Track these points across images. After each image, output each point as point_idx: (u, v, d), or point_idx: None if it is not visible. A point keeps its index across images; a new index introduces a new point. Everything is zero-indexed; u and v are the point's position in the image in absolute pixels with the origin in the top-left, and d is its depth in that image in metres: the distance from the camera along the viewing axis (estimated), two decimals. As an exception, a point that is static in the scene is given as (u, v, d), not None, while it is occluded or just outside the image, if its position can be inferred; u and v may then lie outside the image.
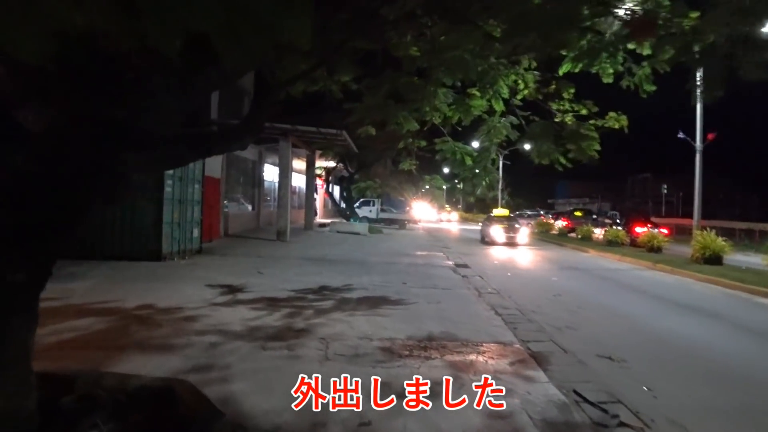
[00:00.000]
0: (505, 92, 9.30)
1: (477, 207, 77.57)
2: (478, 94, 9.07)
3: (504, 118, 10.19)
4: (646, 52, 6.45)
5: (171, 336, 6.69)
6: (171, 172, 14.46)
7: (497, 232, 25.66)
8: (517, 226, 26.59)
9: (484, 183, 10.87)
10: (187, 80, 3.06)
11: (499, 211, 30.10)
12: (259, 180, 27.12)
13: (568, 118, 9.47)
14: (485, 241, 26.49)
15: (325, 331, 7.21)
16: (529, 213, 55.66)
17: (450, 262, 16.99)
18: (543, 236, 34.06)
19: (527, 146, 10.85)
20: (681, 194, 54.50)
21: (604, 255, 22.35)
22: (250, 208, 26.79)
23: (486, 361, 6.29)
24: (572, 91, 9.00)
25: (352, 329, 7.40)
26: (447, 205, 70.40)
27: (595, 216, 52.01)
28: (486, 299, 10.49)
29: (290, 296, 9.65)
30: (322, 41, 5.07)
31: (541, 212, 76.38)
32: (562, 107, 9.24)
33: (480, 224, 30.81)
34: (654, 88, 7.35)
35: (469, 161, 11.23)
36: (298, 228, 28.23)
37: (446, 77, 8.32)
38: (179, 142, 3.77)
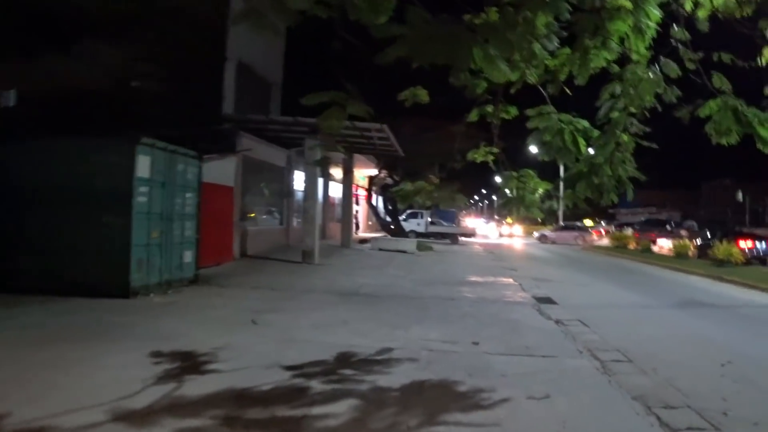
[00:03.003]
0: (656, 16, 5.19)
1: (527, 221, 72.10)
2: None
3: (654, 66, 5.86)
4: None
5: None
6: (147, 175, 10.60)
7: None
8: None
9: (610, 180, 6.50)
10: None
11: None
12: (288, 190, 23.14)
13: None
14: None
15: None
16: (578, 225, 48.77)
17: (526, 294, 12.58)
18: (620, 252, 29.15)
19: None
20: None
21: (717, 279, 17.49)
22: (277, 223, 22.83)
23: None
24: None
25: None
26: (509, 217, 65.42)
27: (669, 227, 46.65)
28: (623, 381, 6.09)
29: (279, 385, 5.40)
30: None
31: (602, 223, 70.79)
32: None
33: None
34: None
35: (583, 147, 6.86)
36: (334, 246, 24.10)
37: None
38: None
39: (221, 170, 16.30)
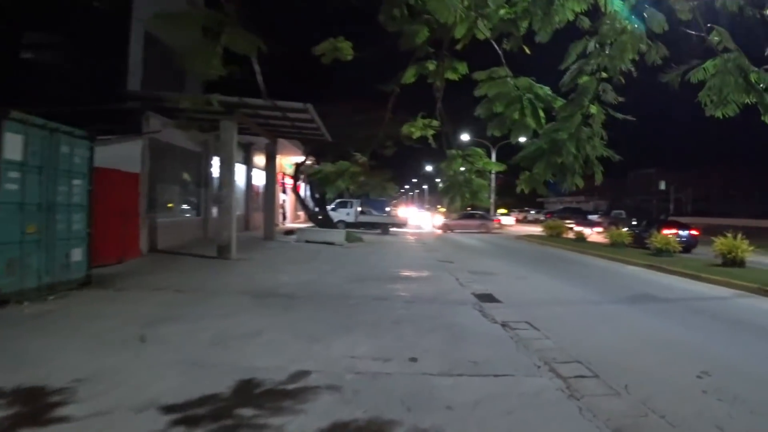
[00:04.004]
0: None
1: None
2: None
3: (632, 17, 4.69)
4: None
5: None
6: (18, 157, 8.79)
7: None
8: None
9: (576, 159, 5.29)
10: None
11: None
12: (206, 177, 21.25)
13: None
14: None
15: None
16: (480, 213, 48.03)
17: (465, 290, 11.41)
18: (555, 242, 28.63)
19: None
20: (691, 191, 49.44)
21: (658, 269, 16.87)
22: (193, 213, 20.92)
23: None
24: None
25: None
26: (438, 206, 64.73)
27: (591, 217, 47.46)
28: (595, 407, 4.91)
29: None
30: None
31: (532, 212, 71.42)
32: None
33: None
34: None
35: (543, 120, 5.64)
36: (257, 238, 22.39)
37: None
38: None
39: (124, 154, 14.43)
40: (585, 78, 5.25)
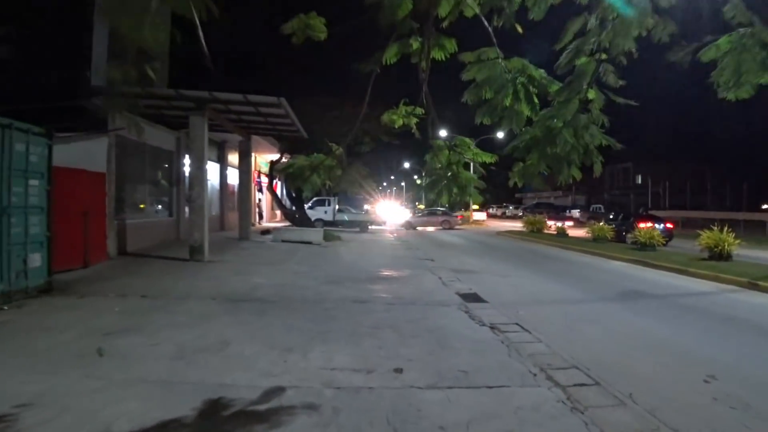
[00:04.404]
0: None
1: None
2: None
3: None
4: None
5: None
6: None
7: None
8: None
9: (574, 149, 4.79)
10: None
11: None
12: (178, 176, 20.48)
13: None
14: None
15: None
16: (442, 209, 48.12)
17: (449, 290, 10.91)
18: (536, 237, 28.29)
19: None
20: (667, 184, 49.49)
21: (643, 264, 16.57)
22: (165, 214, 20.16)
23: None
24: None
25: None
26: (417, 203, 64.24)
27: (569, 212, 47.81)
28: (602, 421, 4.43)
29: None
30: None
31: (510, 207, 71.38)
32: None
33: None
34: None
35: (537, 105, 5.14)
36: (232, 238, 21.68)
37: None
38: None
39: (88, 153, 13.73)
40: (583, 59, 4.76)
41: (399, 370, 5.57)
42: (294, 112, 16.82)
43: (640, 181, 62.96)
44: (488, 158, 5.76)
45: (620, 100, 4.85)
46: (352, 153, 33.83)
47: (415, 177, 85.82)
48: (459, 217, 45.13)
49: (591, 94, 4.90)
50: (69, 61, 14.36)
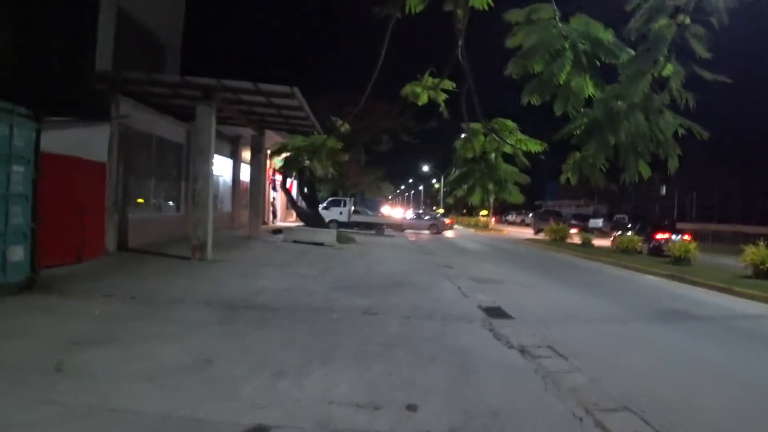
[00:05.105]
0: None
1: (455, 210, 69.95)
2: None
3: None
4: None
5: None
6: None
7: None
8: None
9: (643, 139, 3.72)
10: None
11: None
12: (187, 171, 19.59)
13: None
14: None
15: None
16: (432, 213, 48.37)
17: (470, 302, 9.85)
18: (559, 246, 27.07)
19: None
20: (695, 195, 47.83)
21: (680, 280, 15.34)
22: (172, 209, 19.28)
23: None
24: None
25: None
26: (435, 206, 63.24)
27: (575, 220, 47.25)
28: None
29: None
30: None
31: (530, 215, 69.91)
32: None
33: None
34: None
35: (601, 82, 4.05)
36: (241, 237, 20.72)
37: None
38: None
39: (89, 141, 12.80)
40: (662, 22, 3.66)
41: (413, 408, 4.50)
42: (310, 107, 15.89)
43: (663, 193, 61.28)
44: (536, 146, 4.70)
45: (707, 74, 3.76)
46: (370, 151, 32.90)
47: (433, 181, 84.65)
48: (450, 222, 44.85)
49: (668, 69, 3.81)
50: (73, 45, 13.50)
